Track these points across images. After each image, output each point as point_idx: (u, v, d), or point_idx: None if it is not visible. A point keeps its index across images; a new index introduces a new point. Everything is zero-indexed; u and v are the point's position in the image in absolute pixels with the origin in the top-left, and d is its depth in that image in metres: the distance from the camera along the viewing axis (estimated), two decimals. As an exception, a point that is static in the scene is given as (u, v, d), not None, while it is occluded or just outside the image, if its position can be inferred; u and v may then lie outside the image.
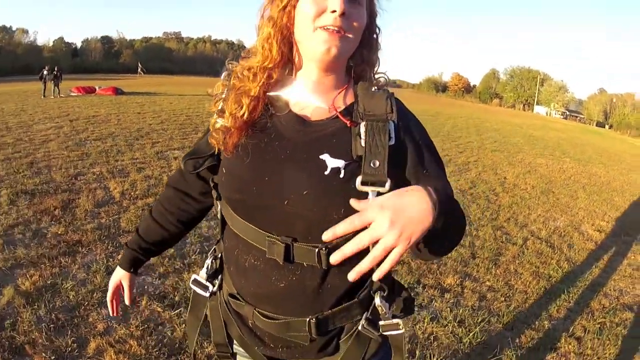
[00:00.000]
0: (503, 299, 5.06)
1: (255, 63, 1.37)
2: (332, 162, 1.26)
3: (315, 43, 1.28)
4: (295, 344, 1.43)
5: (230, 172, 1.40)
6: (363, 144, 1.25)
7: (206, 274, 1.62)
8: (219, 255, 1.61)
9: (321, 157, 1.27)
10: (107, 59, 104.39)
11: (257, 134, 1.36)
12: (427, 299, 4.77)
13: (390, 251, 1.06)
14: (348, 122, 1.31)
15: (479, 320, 4.48)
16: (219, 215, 1.54)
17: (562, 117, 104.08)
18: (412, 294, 1.52)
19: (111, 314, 1.85)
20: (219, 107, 1.42)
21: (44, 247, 4.97)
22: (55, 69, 24.99)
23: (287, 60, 1.39)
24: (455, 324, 4.34)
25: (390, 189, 1.19)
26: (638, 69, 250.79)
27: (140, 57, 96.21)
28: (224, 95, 1.43)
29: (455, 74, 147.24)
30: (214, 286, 1.61)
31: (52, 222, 5.69)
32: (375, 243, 1.06)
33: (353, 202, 1.11)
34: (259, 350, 1.49)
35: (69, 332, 3.54)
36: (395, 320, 1.41)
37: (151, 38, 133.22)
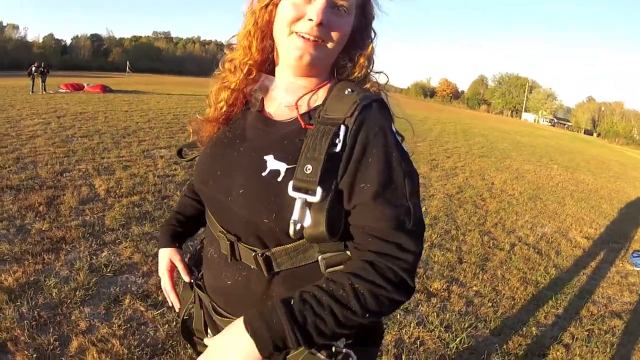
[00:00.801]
0: (490, 304, 5.06)
1: (237, 56, 1.38)
2: (273, 164, 1.22)
3: (288, 48, 1.26)
4: None
5: (199, 162, 1.45)
6: (300, 156, 1.19)
7: (189, 260, 1.68)
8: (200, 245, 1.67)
9: (265, 157, 1.24)
10: (96, 56, 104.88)
11: (227, 129, 1.40)
12: (414, 303, 4.76)
13: None
14: (303, 124, 1.27)
15: (466, 325, 4.47)
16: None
17: (550, 124, 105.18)
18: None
19: (176, 308, 1.73)
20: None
21: (27, 243, 4.94)
22: (42, 64, 24.98)
23: (267, 57, 1.39)
24: (442, 329, 4.34)
25: (322, 200, 1.14)
26: (628, 77, 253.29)
27: (129, 55, 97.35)
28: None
29: (444, 79, 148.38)
30: (199, 272, 1.63)
31: (37, 218, 5.65)
32: None
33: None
34: None
35: (51, 330, 3.52)
36: (344, 350, 1.29)
37: (140, 37, 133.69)
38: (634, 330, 5.09)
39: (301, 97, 1.32)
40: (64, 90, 25.40)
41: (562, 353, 4.33)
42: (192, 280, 1.63)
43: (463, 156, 16.35)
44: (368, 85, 1.35)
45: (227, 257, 1.34)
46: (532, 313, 5.05)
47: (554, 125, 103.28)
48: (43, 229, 5.36)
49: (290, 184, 1.15)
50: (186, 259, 1.69)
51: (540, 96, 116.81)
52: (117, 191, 7.08)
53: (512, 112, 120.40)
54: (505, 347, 4.27)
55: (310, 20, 1.19)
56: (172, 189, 7.55)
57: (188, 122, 1.50)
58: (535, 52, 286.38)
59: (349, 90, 1.27)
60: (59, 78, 32.07)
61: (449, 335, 4.27)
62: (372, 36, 1.38)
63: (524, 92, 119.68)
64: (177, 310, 1.71)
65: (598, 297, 5.87)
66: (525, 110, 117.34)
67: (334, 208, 1.17)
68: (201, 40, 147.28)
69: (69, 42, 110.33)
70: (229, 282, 1.36)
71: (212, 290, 1.46)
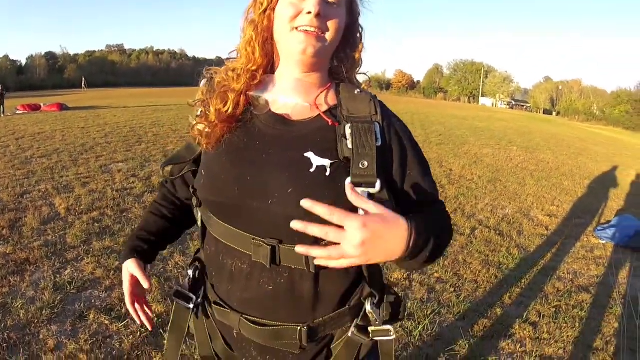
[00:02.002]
0: (452, 289, 5.09)
1: (239, 65, 1.44)
2: (318, 161, 1.30)
3: (292, 43, 1.34)
4: (284, 353, 1.45)
5: (210, 173, 1.43)
6: (350, 146, 1.29)
7: (188, 284, 1.61)
8: (199, 266, 1.62)
9: (306, 155, 1.31)
10: (51, 74, 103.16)
11: (237, 134, 1.41)
12: (373, 295, 4.73)
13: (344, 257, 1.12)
14: (330, 121, 1.37)
15: (429, 312, 4.50)
16: (199, 223, 1.56)
17: (508, 107, 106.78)
18: (402, 299, 1.53)
19: (147, 325, 1.70)
20: (198, 112, 1.48)
21: None
22: (0, 87, 24.61)
23: (270, 61, 1.47)
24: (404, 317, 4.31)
25: (381, 189, 1.28)
26: (583, 55, 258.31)
27: (84, 71, 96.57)
28: (205, 99, 1.48)
29: (399, 71, 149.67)
30: (197, 297, 1.60)
31: (0, 242, 5.69)
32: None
33: (349, 191, 1.15)
34: None
35: (22, 351, 3.62)
36: (385, 327, 1.44)
37: (94, 52, 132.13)
38: (603, 303, 5.17)
39: (317, 96, 1.43)
40: (21, 112, 25.21)
41: (529, 332, 4.37)
42: (190, 305, 1.61)
43: (420, 145, 16.22)
44: (364, 86, 1.53)
45: (266, 264, 1.34)
46: (496, 294, 5.10)
47: (512, 108, 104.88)
48: (7, 252, 5.40)
49: (349, 179, 1.27)
50: (184, 284, 1.63)
51: (496, 80, 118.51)
52: (77, 208, 7.12)
53: (469, 98, 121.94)
54: (470, 330, 4.30)
55: (309, 13, 1.29)
56: (131, 201, 7.59)
57: (191, 133, 1.50)
58: (489, 37, 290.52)
59: (358, 90, 1.44)
60: (16, 100, 31.88)
61: (411, 324, 4.28)
62: (360, 31, 1.50)
63: (480, 77, 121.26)
64: (148, 327, 1.69)
65: (564, 273, 5.95)
66: (483, 95, 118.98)
67: (390, 193, 1.34)
68: (154, 50, 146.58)
69: (24, 62, 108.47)
70: (269, 288, 1.37)
71: (244, 304, 1.43)
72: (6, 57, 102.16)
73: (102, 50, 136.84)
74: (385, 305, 1.46)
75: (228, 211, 1.38)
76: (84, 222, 6.49)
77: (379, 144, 1.32)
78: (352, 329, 1.42)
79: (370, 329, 1.43)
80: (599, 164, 16.94)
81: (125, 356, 3.64)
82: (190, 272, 1.62)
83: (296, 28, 1.32)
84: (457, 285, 5.23)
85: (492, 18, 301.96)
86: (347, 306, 1.43)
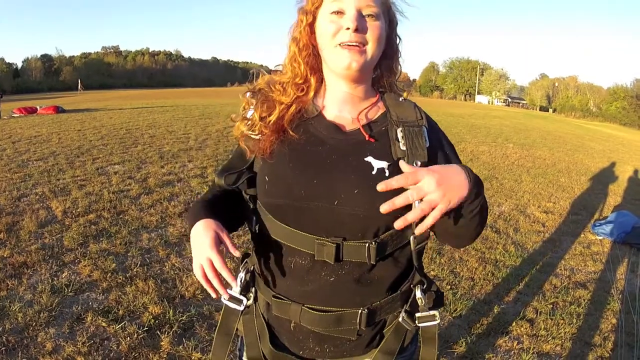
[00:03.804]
0: (449, 287, 5.11)
1: (285, 79, 1.54)
2: (377, 164, 1.41)
3: (336, 59, 1.43)
4: (342, 340, 1.54)
5: (274, 177, 1.48)
6: (403, 147, 1.42)
7: (239, 286, 1.60)
8: (252, 268, 1.66)
9: (366, 159, 1.42)
10: (47, 77, 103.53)
11: (296, 140, 1.48)
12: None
13: (433, 209, 1.23)
14: (367, 136, 1.47)
15: (425, 310, 4.45)
16: (253, 229, 1.59)
17: (504, 104, 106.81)
18: (441, 289, 1.68)
19: (234, 286, 1.54)
20: (247, 117, 1.56)
21: None
22: None
23: (317, 71, 1.55)
24: (400, 316, 4.32)
25: None
26: (579, 51, 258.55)
27: (80, 73, 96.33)
28: (250, 110, 1.56)
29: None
30: (248, 299, 1.63)
31: None
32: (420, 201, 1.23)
33: (403, 164, 1.29)
34: (303, 353, 1.57)
35: (20, 354, 3.63)
36: (432, 312, 1.57)
37: (90, 54, 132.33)
38: (600, 299, 5.18)
39: (361, 112, 1.53)
40: (17, 115, 25.01)
41: (526, 328, 4.38)
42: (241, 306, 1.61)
43: (417, 143, 16.38)
44: (405, 94, 1.63)
45: (331, 261, 1.41)
46: (493, 292, 5.11)
47: (508, 105, 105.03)
48: (5, 255, 5.41)
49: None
50: (238, 289, 1.57)
51: (492, 77, 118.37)
52: (74, 211, 7.11)
53: (465, 95, 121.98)
54: (467, 328, 4.31)
55: (348, 28, 1.38)
56: (127, 203, 7.57)
57: (239, 141, 1.58)
58: (485, 35, 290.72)
59: (402, 98, 1.56)
60: (12, 103, 31.75)
61: (407, 322, 4.24)
62: (398, 42, 1.59)
63: (476, 75, 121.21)
64: (234, 292, 1.56)
65: (560, 269, 5.96)
66: (479, 93, 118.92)
67: None
68: (150, 51, 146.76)
69: (20, 65, 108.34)
70: (332, 279, 1.45)
71: (305, 295, 1.50)
72: (2, 60, 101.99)
73: (97, 52, 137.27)
74: (429, 293, 1.58)
75: (292, 213, 1.44)
76: (80, 224, 6.49)
77: (428, 145, 1.44)
78: (402, 314, 1.54)
79: (417, 315, 1.55)
80: (596, 160, 16.98)
81: (123, 358, 3.65)
82: (241, 274, 1.62)
83: (339, 44, 1.40)
84: (453, 283, 5.24)
85: (487, 15, 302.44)
86: (398, 291, 1.53)
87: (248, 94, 1.60)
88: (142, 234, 6.20)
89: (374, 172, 1.39)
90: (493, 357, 3.95)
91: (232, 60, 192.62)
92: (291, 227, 1.44)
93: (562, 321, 4.57)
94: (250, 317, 1.66)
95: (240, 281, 1.61)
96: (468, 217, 1.36)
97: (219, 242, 1.36)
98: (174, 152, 12.41)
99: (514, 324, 4.45)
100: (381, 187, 1.21)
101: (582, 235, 7.49)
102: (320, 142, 1.47)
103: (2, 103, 25.36)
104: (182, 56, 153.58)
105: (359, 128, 1.49)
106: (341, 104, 1.54)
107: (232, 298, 1.61)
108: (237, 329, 1.67)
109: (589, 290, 5.39)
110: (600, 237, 7.33)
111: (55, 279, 4.88)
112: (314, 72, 1.54)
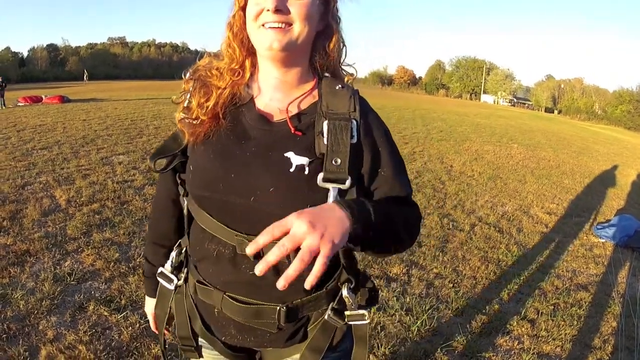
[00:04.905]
0: (451, 285, 5.10)
1: (222, 64, 1.49)
2: (297, 160, 1.35)
3: (259, 40, 1.38)
4: (262, 331, 1.50)
5: (197, 168, 1.47)
6: (325, 142, 1.34)
7: (171, 266, 1.66)
8: (184, 249, 1.66)
9: (286, 154, 1.36)
10: (53, 67, 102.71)
11: (224, 130, 1.44)
12: (373, 289, 4.74)
13: (317, 254, 1.10)
14: (293, 129, 1.39)
15: (427, 307, 4.51)
16: (185, 211, 1.60)
17: (510, 104, 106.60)
18: (376, 285, 1.64)
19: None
20: (185, 104, 1.52)
21: None
22: (1, 79, 24.64)
23: (252, 55, 1.49)
24: (403, 313, 4.37)
25: (351, 186, 1.34)
26: (586, 53, 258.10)
27: (86, 64, 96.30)
28: (189, 93, 1.52)
29: (401, 66, 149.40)
30: (179, 279, 1.66)
31: (1, 233, 5.71)
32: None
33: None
34: (225, 339, 1.56)
35: (21, 341, 3.62)
36: (360, 311, 1.51)
37: (96, 44, 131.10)
38: (601, 302, 5.18)
39: (292, 101, 1.45)
40: (22, 104, 25.07)
41: (527, 329, 4.38)
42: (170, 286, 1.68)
43: (421, 141, 16.48)
44: (346, 79, 1.55)
45: (250, 258, 1.32)
46: (495, 291, 5.10)
47: (514, 105, 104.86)
48: (8, 243, 5.41)
49: (320, 175, 1.32)
50: (169, 268, 1.68)
51: (498, 77, 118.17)
52: (78, 200, 7.12)
53: (470, 94, 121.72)
54: (468, 326, 4.31)
55: (268, 10, 1.31)
56: (131, 194, 7.58)
57: (179, 126, 1.53)
58: (491, 35, 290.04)
59: (339, 86, 1.46)
60: (17, 92, 31.87)
61: (409, 319, 4.29)
62: (336, 22, 1.49)
63: (482, 74, 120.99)
64: (165, 270, 1.71)
65: (562, 271, 5.95)
66: (484, 92, 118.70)
67: (360, 191, 1.39)
68: (156, 43, 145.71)
69: (25, 54, 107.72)
70: (251, 273, 1.33)
71: (226, 285, 1.48)
72: (7, 49, 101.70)
73: (104, 42, 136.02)
74: (362, 291, 1.53)
75: (213, 205, 1.43)
76: (84, 214, 6.50)
77: (354, 141, 1.36)
78: (329, 311, 1.49)
79: (346, 313, 1.50)
80: (600, 163, 16.96)
81: (124, 347, 3.65)
82: (173, 254, 1.66)
83: (262, 25, 1.35)
84: (455, 281, 5.24)
85: (494, 15, 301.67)
86: (324, 289, 1.49)
87: (188, 74, 1.57)
88: (145, 225, 6.17)
89: (292, 170, 1.34)
90: (493, 356, 3.95)
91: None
92: (214, 219, 1.43)
93: (562, 322, 4.57)
94: (181, 297, 1.67)
95: (172, 260, 1.65)
96: (373, 246, 1.32)
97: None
98: (178, 143, 12.27)
99: (514, 323, 4.45)
100: (250, 250, 1.14)
101: (585, 238, 7.49)
102: (246, 133, 1.44)
103: (7, 92, 25.43)
104: (189, 48, 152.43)
105: (287, 119, 1.42)
106: (272, 90, 1.48)
107: (162, 275, 1.67)
108: (170, 307, 1.71)
109: (591, 292, 5.39)
110: (603, 240, 7.33)
111: (58, 267, 4.88)
112: (249, 55, 1.49)
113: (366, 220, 1.22)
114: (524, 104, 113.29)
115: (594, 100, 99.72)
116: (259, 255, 1.29)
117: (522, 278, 5.51)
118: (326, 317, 1.50)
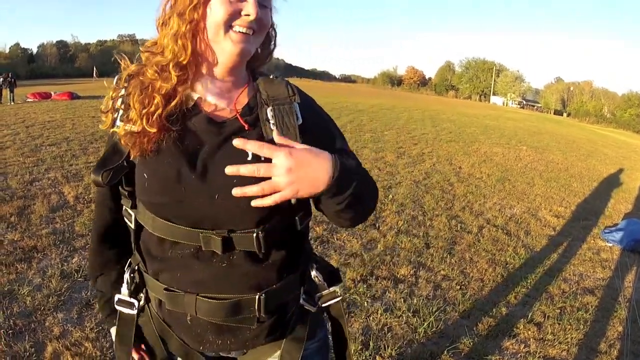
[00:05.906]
0: (458, 287, 5.10)
1: (165, 60, 1.36)
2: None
3: (227, 44, 1.33)
4: (241, 330, 1.47)
5: (152, 175, 1.37)
6: (273, 127, 1.36)
7: (127, 289, 1.57)
8: (136, 267, 1.57)
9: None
10: (62, 63, 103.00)
11: (174, 135, 1.36)
12: (381, 290, 4.78)
13: (277, 191, 1.19)
14: (246, 126, 1.39)
15: (434, 309, 4.50)
16: (132, 226, 1.49)
17: (519, 106, 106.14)
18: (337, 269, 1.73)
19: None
20: (121, 113, 1.40)
21: (0, 254, 5.02)
22: (10, 75, 24.78)
23: (197, 54, 1.40)
24: (410, 314, 4.37)
25: None
26: (595, 57, 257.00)
27: (95, 61, 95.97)
28: (120, 101, 1.42)
29: (410, 67, 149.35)
30: (139, 301, 1.58)
31: (8, 229, 5.72)
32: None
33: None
34: (205, 350, 1.52)
35: (27, 337, 3.63)
36: (332, 288, 1.61)
37: (106, 41, 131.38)
38: (608, 306, 5.17)
39: (236, 98, 1.44)
40: (31, 100, 25.23)
41: (533, 332, 4.38)
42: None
43: (430, 142, 16.45)
44: (277, 67, 1.55)
45: (219, 252, 1.37)
46: (502, 294, 5.10)
47: (523, 108, 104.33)
48: (15, 239, 5.42)
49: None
50: (127, 292, 1.59)
51: (508, 79, 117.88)
52: (86, 197, 7.16)
53: (480, 96, 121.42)
54: (475, 328, 4.31)
55: (247, 15, 1.30)
56: (140, 191, 7.54)
57: (117, 139, 1.39)
58: (502, 36, 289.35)
59: (273, 76, 1.50)
60: (26, 88, 31.89)
61: (416, 320, 4.29)
62: (275, 27, 1.50)
63: (492, 76, 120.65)
64: (123, 295, 1.61)
65: (569, 274, 5.95)
66: (494, 94, 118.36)
67: None
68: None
69: (35, 50, 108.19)
70: (224, 265, 1.40)
71: (198, 284, 1.42)
72: (17, 45, 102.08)
73: (113, 39, 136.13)
74: (324, 270, 1.64)
75: (172, 210, 1.37)
76: (92, 210, 6.36)
77: (300, 122, 1.40)
78: (302, 295, 1.56)
79: (318, 294, 1.60)
80: (608, 167, 16.89)
81: (130, 345, 3.67)
82: (127, 275, 1.57)
83: (231, 27, 1.31)
84: (463, 283, 5.24)
85: (504, 17, 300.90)
86: (297, 273, 1.52)
87: (115, 79, 1.48)
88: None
89: (249, 159, 1.31)
90: (500, 359, 3.95)
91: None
92: (173, 223, 1.37)
93: (569, 326, 4.56)
94: (147, 320, 1.59)
95: (127, 283, 1.57)
96: (333, 209, 1.35)
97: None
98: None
99: (521, 326, 4.45)
100: (231, 170, 1.19)
101: (592, 242, 7.47)
102: (197, 135, 1.38)
103: (16, 88, 25.52)
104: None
105: (236, 116, 1.40)
106: (218, 91, 1.43)
107: (122, 302, 1.58)
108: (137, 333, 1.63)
109: (597, 296, 5.38)
110: (610, 244, 7.31)
111: (65, 264, 4.90)
112: (194, 54, 1.37)
113: (342, 188, 1.27)
114: (533, 106, 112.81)
115: (603, 104, 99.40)
116: (229, 247, 1.37)
117: (529, 281, 5.50)
118: (301, 300, 1.55)
